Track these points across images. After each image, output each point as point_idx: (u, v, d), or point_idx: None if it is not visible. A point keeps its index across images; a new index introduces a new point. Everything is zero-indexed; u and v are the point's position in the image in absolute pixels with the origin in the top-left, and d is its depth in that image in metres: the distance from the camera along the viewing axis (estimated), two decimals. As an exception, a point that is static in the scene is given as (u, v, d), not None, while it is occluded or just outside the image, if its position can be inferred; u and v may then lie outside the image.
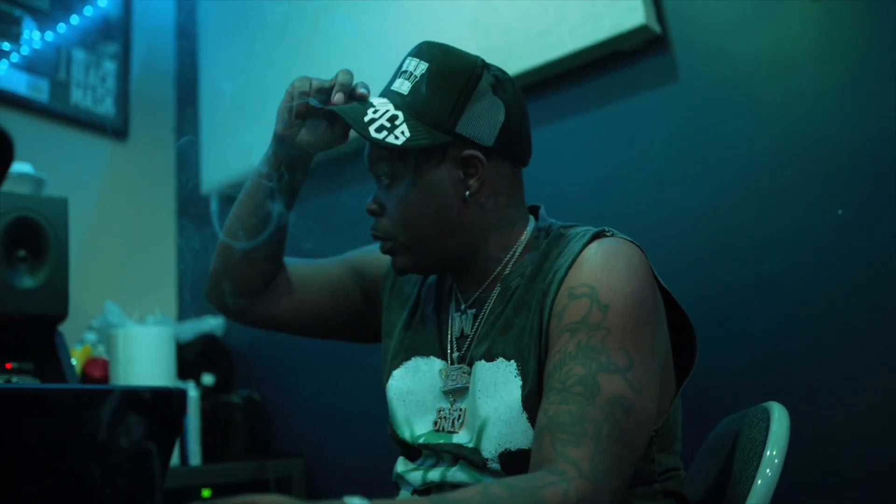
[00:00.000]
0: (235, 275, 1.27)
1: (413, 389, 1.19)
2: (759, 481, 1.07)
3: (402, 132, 1.07)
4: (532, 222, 1.18)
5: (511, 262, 1.15)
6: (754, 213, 1.56)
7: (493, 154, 1.12)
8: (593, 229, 1.10)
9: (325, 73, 1.17)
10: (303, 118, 1.16)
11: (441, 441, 1.12)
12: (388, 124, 1.08)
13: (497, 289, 1.14)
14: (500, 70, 1.15)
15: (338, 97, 1.12)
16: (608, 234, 1.09)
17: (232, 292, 1.28)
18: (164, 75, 2.85)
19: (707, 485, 1.23)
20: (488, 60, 1.16)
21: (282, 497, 0.76)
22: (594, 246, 1.06)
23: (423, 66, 1.11)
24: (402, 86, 1.12)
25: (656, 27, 1.71)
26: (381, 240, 1.16)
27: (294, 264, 1.34)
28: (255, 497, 0.74)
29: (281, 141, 1.19)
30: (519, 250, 1.15)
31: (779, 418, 1.15)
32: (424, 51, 1.13)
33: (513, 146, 1.13)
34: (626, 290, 1.01)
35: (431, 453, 1.14)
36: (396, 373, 1.22)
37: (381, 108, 1.10)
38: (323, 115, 1.17)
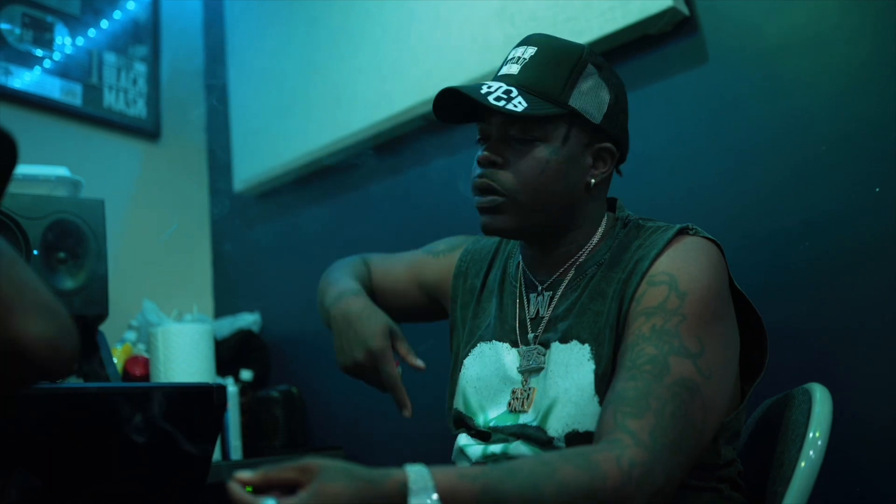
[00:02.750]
0: None
1: (482, 375, 1.22)
2: (803, 463, 1.06)
3: (520, 102, 1.11)
4: (607, 212, 1.23)
5: (588, 250, 1.19)
6: (789, 193, 1.54)
7: (619, 148, 1.19)
8: (677, 225, 1.13)
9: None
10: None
11: (510, 423, 1.14)
12: (504, 96, 1.12)
13: (571, 273, 1.18)
14: (602, 58, 1.20)
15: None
16: (691, 231, 1.13)
17: None
18: (193, 76, 2.87)
19: (750, 468, 1.22)
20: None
21: (337, 461, 0.79)
22: (677, 241, 1.10)
23: (532, 49, 1.16)
24: (512, 69, 1.16)
25: (684, 9, 1.69)
26: (491, 192, 1.15)
27: (373, 267, 1.47)
28: (312, 460, 0.78)
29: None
30: (596, 239, 1.19)
31: (821, 400, 1.14)
32: (532, 39, 1.19)
33: (616, 129, 1.18)
34: (704, 282, 1.04)
35: (500, 436, 1.16)
36: (467, 361, 1.25)
37: (494, 84, 1.14)
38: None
